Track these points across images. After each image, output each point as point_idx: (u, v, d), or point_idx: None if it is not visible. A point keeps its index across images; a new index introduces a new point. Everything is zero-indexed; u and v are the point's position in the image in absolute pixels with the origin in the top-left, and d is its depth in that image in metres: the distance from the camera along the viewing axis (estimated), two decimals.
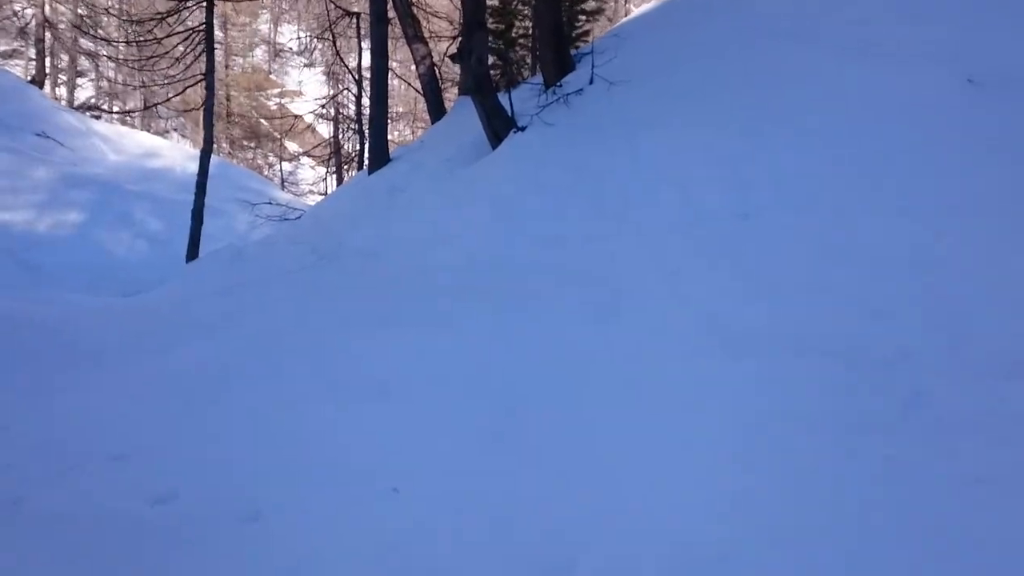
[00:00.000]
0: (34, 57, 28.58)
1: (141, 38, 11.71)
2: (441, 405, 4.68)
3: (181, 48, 11.29)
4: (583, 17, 12.66)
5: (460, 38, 9.68)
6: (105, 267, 15.81)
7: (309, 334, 6.12)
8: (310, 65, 66.68)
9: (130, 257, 16.64)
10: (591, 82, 8.88)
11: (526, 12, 12.72)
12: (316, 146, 30.50)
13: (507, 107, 8.96)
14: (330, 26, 13.70)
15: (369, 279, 7.13)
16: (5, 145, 18.40)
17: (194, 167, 24.75)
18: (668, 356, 4.70)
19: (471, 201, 8.11)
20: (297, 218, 11.39)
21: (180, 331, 7.02)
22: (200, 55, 11.38)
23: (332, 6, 13.32)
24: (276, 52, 64.95)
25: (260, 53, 64.03)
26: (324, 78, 59.55)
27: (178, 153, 25.64)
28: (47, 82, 32.38)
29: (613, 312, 5.28)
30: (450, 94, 16.02)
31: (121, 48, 29.58)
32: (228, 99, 35.18)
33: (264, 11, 63.79)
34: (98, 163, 21.57)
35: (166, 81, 13.22)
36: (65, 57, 34.32)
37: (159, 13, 10.96)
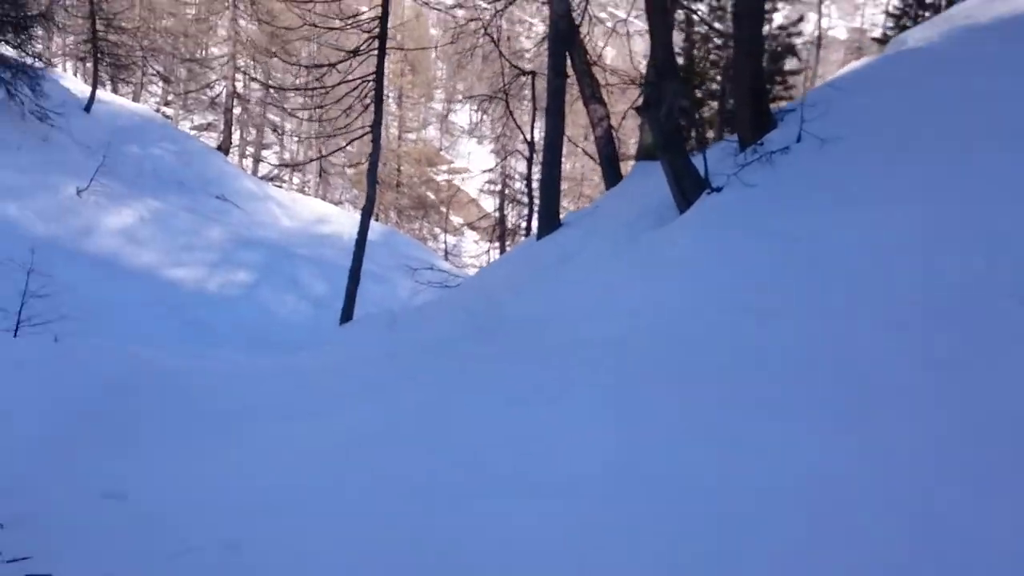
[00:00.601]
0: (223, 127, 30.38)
1: (315, 85, 11.62)
2: (615, 508, 3.66)
3: (354, 95, 11.13)
4: (779, 78, 11.61)
5: (646, 89, 8.87)
6: (268, 327, 15.87)
7: (463, 409, 5.28)
8: (478, 137, 68.58)
9: (292, 318, 16.67)
10: (799, 140, 7.77)
11: (713, 74, 11.83)
12: (480, 218, 30.53)
13: (698, 167, 7.99)
14: (504, 86, 13.37)
15: (533, 350, 6.24)
16: (186, 205, 19.16)
17: None
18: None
19: (654, 269, 7.13)
20: (457, 285, 10.78)
21: (327, 397, 6.37)
22: (369, 106, 11.19)
23: (507, 65, 12.98)
24: (446, 129, 67.27)
25: (432, 130, 66.52)
26: (492, 154, 61.15)
27: (348, 220, 26.22)
28: (235, 152, 34.44)
29: (860, 417, 4.07)
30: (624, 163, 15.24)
31: (302, 121, 31.06)
32: (399, 170, 36.15)
33: (439, 90, 66.48)
34: (271, 227, 22.20)
35: (334, 132, 13.18)
36: (253, 130, 36.45)
37: (330, 63, 10.86)
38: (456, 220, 46.38)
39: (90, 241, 15.64)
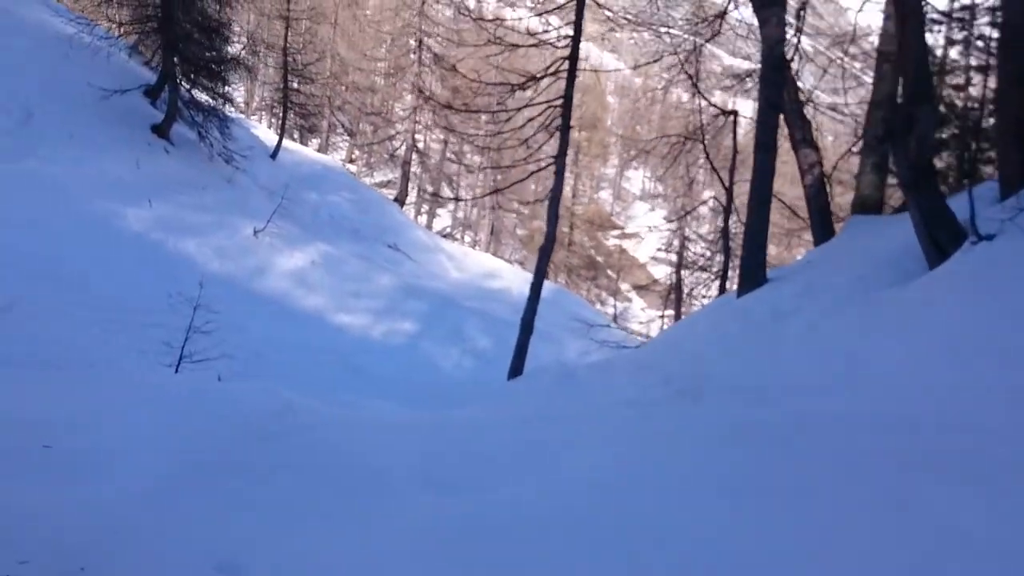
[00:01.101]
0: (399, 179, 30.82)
1: (497, 108, 10.84)
2: None
3: (538, 122, 10.21)
4: None
5: (891, 116, 7.43)
6: (430, 379, 15.15)
7: (659, 498, 4.02)
8: (652, 203, 67.41)
9: (455, 372, 15.89)
10: None
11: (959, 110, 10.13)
12: (653, 282, 29.15)
13: (952, 209, 6.45)
14: (701, 127, 12.20)
15: (755, 425, 4.88)
16: (358, 252, 19.00)
17: None
18: None
19: (904, 332, 5.63)
20: (637, 346, 9.52)
21: (487, 463, 5.27)
22: (554, 134, 10.25)
23: (703, 103, 11.81)
24: (618, 194, 66.53)
25: (604, 194, 65.97)
26: (664, 219, 59.74)
27: (517, 276, 25.60)
28: (411, 209, 34.92)
29: None
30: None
31: (480, 171, 31.10)
32: (571, 228, 35.48)
33: (612, 155, 66.08)
34: (440, 278, 21.77)
35: (514, 163, 12.35)
36: (429, 186, 36.96)
37: (518, 82, 10.02)
38: (623, 286, 45.17)
39: (262, 281, 15.55)
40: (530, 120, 12.01)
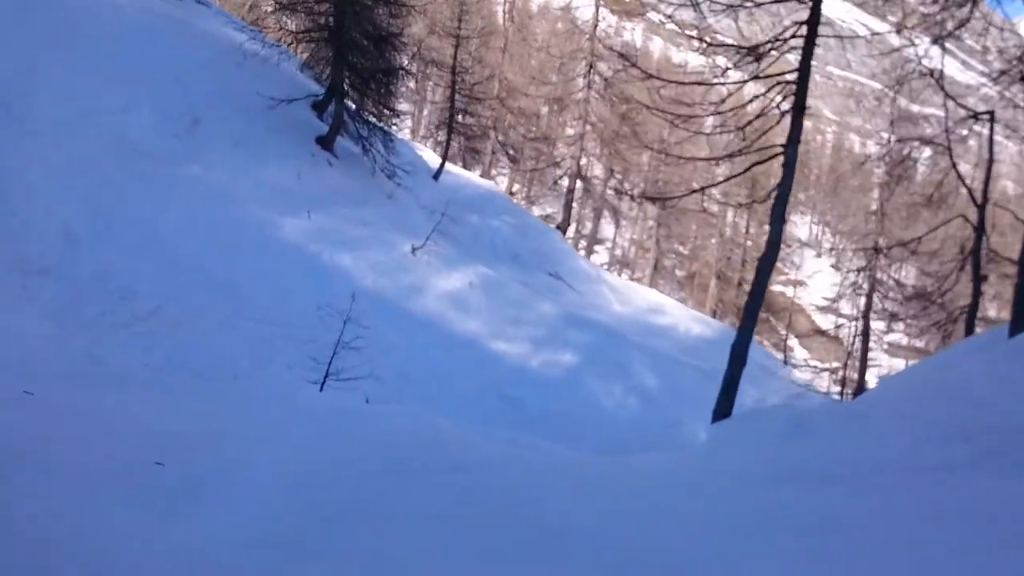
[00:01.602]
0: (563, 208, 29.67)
1: (717, 81, 9.28)
2: None
3: (766, 99, 8.52)
4: None
5: None
6: (589, 417, 13.68)
7: None
8: (818, 251, 63.53)
9: (618, 412, 14.35)
10: None
11: None
12: (838, 327, 26.53)
13: None
14: (945, 131, 10.27)
15: None
16: (519, 278, 17.87)
17: (698, 329, 22.72)
18: None
19: None
20: (875, 388, 7.66)
21: (699, 541, 3.74)
22: (782, 117, 8.51)
23: (952, 104, 9.85)
24: (784, 240, 63.29)
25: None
26: (832, 267, 55.94)
27: (683, 313, 23.82)
28: (570, 241, 33.74)
29: None
30: None
31: (640, 203, 29.57)
32: (743, 266, 33.22)
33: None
34: (602, 310, 20.34)
35: (723, 154, 10.71)
36: (589, 223, 35.68)
37: (752, 45, 8.33)
38: (782, 331, 42.26)
39: (417, 301, 14.62)
40: (719, 128, 10.46)
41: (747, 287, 34.15)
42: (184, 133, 14.58)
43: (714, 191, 25.16)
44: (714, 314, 30.53)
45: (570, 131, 29.89)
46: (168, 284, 11.22)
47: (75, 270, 10.54)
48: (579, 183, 28.70)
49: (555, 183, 30.35)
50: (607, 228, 44.44)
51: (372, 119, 17.50)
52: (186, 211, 12.87)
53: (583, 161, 28.73)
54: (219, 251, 12.66)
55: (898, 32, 9.59)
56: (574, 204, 29.17)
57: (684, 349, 19.80)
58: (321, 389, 10.01)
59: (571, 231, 32.79)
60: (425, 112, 31.20)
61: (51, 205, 10.92)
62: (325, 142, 16.92)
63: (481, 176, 29.03)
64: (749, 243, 34.69)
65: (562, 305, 17.26)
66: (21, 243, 10.23)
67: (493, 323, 15.12)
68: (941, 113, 10.76)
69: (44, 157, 11.49)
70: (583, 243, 36.26)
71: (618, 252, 46.84)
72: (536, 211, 36.70)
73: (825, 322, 43.41)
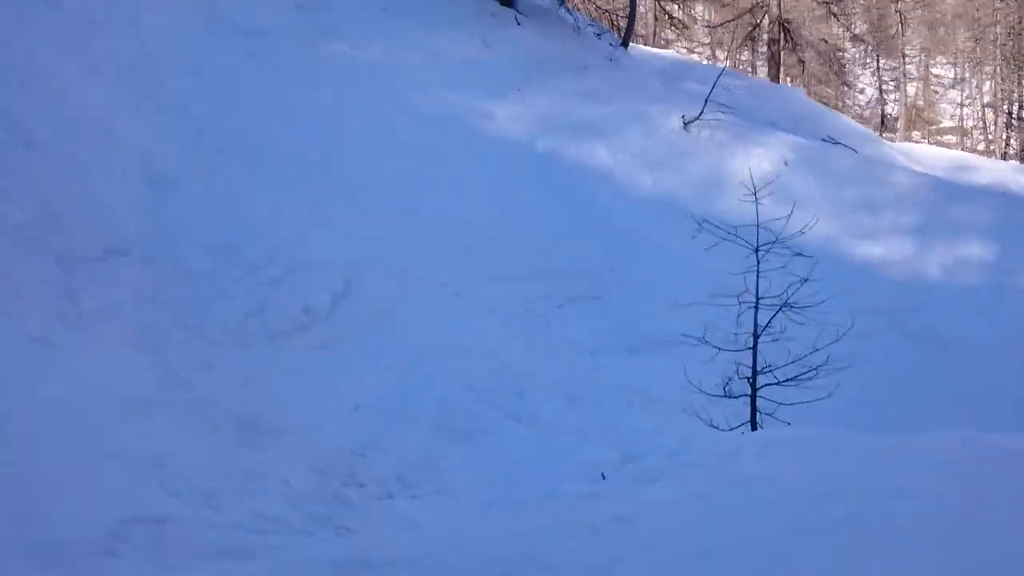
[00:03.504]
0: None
1: None
2: None
3: None
4: None
5: None
6: None
7: None
8: None
9: None
10: None
11: None
12: None
13: None
14: None
15: None
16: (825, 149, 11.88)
17: None
18: None
19: None
20: None
21: None
22: None
23: None
24: None
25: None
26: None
27: (998, 166, 17.36)
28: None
29: None
30: None
31: None
32: None
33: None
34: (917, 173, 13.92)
35: None
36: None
37: None
38: None
39: (718, 198, 8.98)
40: None
41: None
42: (307, 1, 9.21)
43: None
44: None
45: None
46: (357, 264, 5.95)
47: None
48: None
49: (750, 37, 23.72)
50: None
51: None
52: (340, 108, 7.57)
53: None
54: (412, 167, 7.32)
55: None
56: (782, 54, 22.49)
57: None
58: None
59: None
60: None
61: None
62: None
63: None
64: None
65: (909, 175, 11.18)
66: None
67: (843, 218, 9.31)
68: None
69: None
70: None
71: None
72: None
73: None
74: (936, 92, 38.13)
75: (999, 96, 27.71)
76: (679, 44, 28.60)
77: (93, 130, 5.39)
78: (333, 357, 5.15)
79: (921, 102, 37.24)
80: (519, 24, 11.10)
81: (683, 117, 9.94)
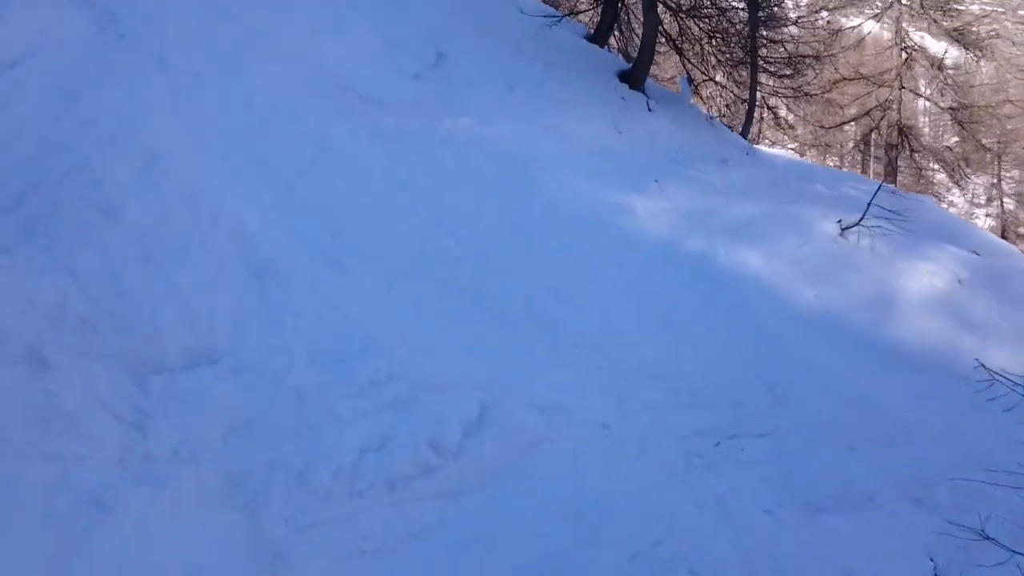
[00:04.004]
0: None
1: None
2: None
3: None
4: None
5: None
6: None
7: None
8: None
9: None
10: None
11: None
12: None
13: None
14: None
15: None
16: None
17: None
18: None
19: None
20: None
21: None
22: None
23: None
24: None
25: None
26: None
27: None
28: None
29: None
30: None
31: None
32: None
33: None
34: None
35: None
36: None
37: None
38: None
39: (891, 322, 7.63)
40: None
41: None
42: (426, 72, 8.36)
43: None
44: None
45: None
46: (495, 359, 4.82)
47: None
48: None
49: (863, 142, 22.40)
50: None
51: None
52: (478, 204, 6.53)
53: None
54: (547, 265, 6.20)
55: None
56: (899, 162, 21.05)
57: None
58: None
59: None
60: None
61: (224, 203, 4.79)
62: (633, 78, 10.35)
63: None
64: None
65: None
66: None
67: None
68: None
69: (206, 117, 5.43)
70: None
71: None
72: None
73: None
74: None
75: None
76: (779, 144, 27.45)
77: (190, 205, 4.38)
78: (464, 509, 3.95)
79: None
80: (651, 110, 10.08)
81: (839, 222, 8.68)
